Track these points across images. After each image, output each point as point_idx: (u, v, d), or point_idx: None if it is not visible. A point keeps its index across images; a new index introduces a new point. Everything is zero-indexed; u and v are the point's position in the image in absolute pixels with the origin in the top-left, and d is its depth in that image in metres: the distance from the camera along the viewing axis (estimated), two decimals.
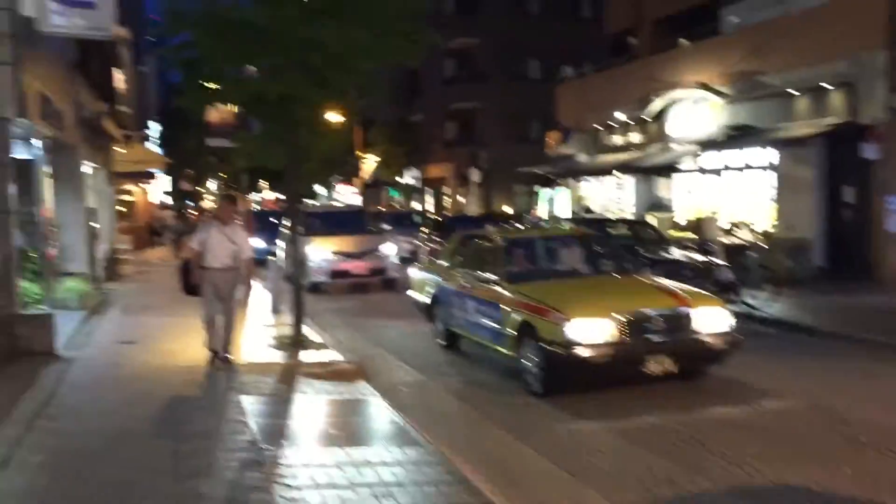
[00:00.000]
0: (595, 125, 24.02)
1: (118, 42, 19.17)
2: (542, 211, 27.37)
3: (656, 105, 20.61)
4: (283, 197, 72.05)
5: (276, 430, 6.03)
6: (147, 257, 28.02)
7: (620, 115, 22.49)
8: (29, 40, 9.72)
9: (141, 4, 31.30)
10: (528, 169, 28.35)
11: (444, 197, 42.48)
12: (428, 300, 10.04)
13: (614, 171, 22.31)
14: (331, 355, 8.94)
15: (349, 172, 44.57)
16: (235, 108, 16.13)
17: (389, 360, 9.05)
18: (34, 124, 10.14)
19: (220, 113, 16.05)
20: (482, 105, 38.65)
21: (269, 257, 13.19)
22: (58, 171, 13.25)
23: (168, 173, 49.15)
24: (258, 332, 10.41)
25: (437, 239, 19.32)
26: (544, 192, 27.56)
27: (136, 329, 10.79)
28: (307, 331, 9.64)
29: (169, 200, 65.10)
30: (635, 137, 22.43)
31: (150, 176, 39.38)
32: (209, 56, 8.89)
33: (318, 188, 54.54)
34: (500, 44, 38.05)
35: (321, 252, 15.07)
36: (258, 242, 21.26)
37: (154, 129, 40.59)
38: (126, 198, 33.67)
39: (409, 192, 43.34)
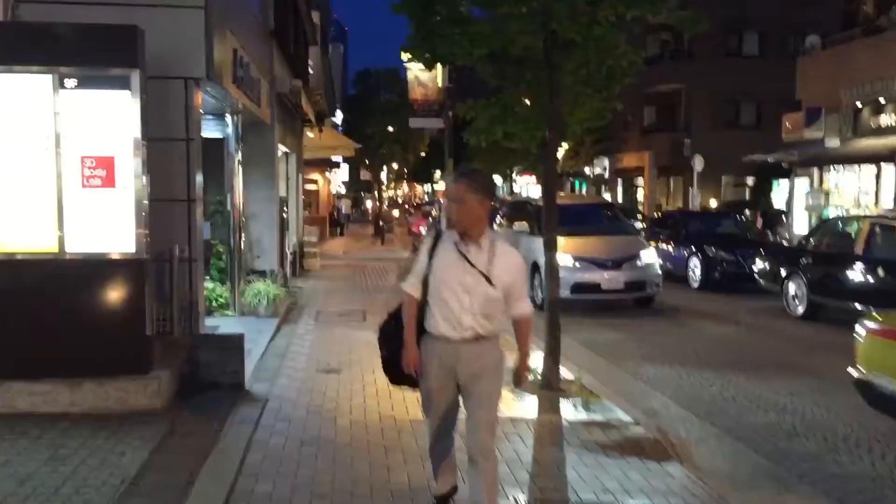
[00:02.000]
0: (856, 102, 19.70)
1: (310, 21, 17.64)
2: (779, 204, 23.30)
3: None
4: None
5: None
6: (330, 249, 26.85)
7: None
8: None
9: None
10: (760, 157, 24.31)
11: (638, 188, 38.77)
12: None
13: None
14: (606, 409, 6.22)
15: (535, 162, 41.92)
16: (443, 83, 13.83)
17: (707, 430, 6.14)
18: (228, 92, 8.20)
19: (426, 90, 13.73)
20: (687, 86, 34.50)
21: None
22: (251, 153, 11.52)
23: (347, 161, 49.03)
24: None
25: (666, 240, 16.15)
26: (781, 184, 23.38)
27: (337, 348, 8.63)
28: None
29: (343, 191, 65.96)
30: None
31: (335, 164, 39.00)
32: None
33: (497, 179, 52.56)
34: (711, 15, 33.68)
35: (559, 258, 11.54)
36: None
37: (338, 116, 40.08)
38: (310, 187, 33.01)
39: (599, 183, 39.97)
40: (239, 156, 10.07)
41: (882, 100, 18.75)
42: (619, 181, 40.20)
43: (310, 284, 15.13)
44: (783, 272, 11.60)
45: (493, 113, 7.85)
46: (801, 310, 11.13)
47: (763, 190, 30.26)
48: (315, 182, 33.66)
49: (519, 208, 14.25)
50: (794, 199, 22.37)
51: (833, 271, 10.68)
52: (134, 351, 5.80)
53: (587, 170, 41.02)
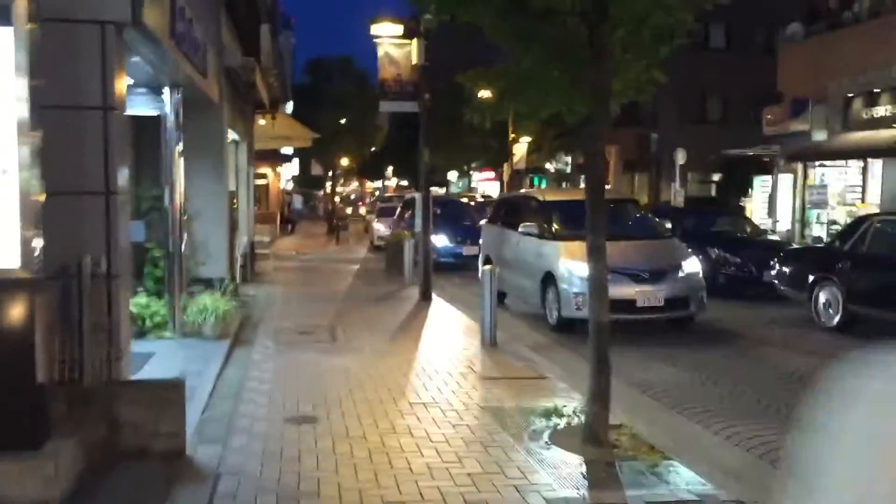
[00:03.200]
0: (847, 93, 18.60)
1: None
2: (758, 203, 22.18)
3: None
4: (405, 183, 68.91)
5: None
6: (282, 248, 24.81)
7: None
8: None
9: None
10: (738, 152, 23.23)
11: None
12: None
13: None
14: (680, 475, 4.57)
15: (494, 158, 40.38)
16: (418, 61, 12.07)
17: None
18: (165, 50, 6.30)
19: (398, 69, 11.91)
20: None
21: (484, 267, 8.94)
22: (195, 138, 9.59)
23: (297, 155, 46.64)
24: (481, 386, 6.23)
25: None
26: (761, 181, 22.26)
27: (307, 381, 6.82)
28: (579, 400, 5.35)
29: (291, 186, 63.34)
30: None
31: (286, 158, 36.76)
32: None
33: (451, 175, 50.87)
34: None
35: (578, 267, 9.03)
36: (442, 241, 17.03)
37: (288, 107, 37.87)
38: (259, 181, 30.82)
39: (561, 179, 38.65)
40: (180, 140, 8.14)
41: (877, 89, 17.67)
42: (582, 177, 38.96)
43: (263, 292, 13.21)
44: (811, 277, 10.19)
45: (507, 84, 6.16)
46: (835, 320, 9.73)
47: (730, 187, 29.27)
48: (265, 176, 31.49)
49: (517, 206, 12.09)
50: (777, 195, 21.25)
51: (879, 277, 9.30)
52: (18, 414, 3.92)
53: (548, 165, 39.67)
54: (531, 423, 5.57)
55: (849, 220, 19.39)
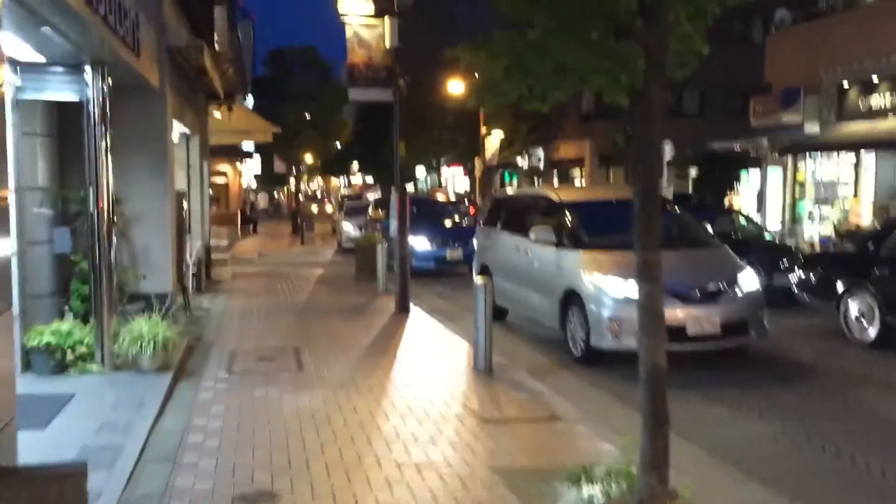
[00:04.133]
0: (842, 82, 17.63)
1: None
2: (745, 199, 21.22)
3: None
4: (370, 179, 67.06)
5: None
6: (244, 251, 23.22)
7: None
8: None
9: None
10: (723, 144, 22.24)
11: (575, 180, 36.51)
12: None
13: None
14: None
15: (465, 152, 39.06)
16: (391, 43, 10.69)
17: None
18: (77, 14, 4.85)
19: (369, 52, 10.50)
20: None
21: (477, 279, 7.57)
22: (131, 129, 8.14)
23: (259, 151, 44.80)
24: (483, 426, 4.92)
25: None
26: (749, 175, 21.28)
27: (265, 432, 5.43)
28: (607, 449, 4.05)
29: (255, 184, 61.21)
30: None
31: (247, 154, 34.99)
32: None
33: (419, 172, 49.43)
34: None
35: (610, 284, 7.52)
36: (421, 243, 15.46)
37: (248, 101, 36.08)
38: (218, 179, 29.14)
39: (532, 175, 37.49)
40: (107, 131, 6.66)
41: (875, 78, 16.70)
42: (555, 172, 37.87)
43: (219, 304, 11.73)
44: (840, 285, 9.06)
45: (517, 56, 4.81)
46: (871, 334, 8.59)
47: (709, 182, 28.36)
48: (224, 174, 29.81)
49: (524, 207, 10.07)
50: (766, 190, 20.29)
51: None
52: None
53: (520, 160, 38.48)
54: (558, 493, 4.25)
55: (840, 218, 18.64)
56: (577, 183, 36.17)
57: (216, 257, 14.94)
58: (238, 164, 32.72)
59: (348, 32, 11.14)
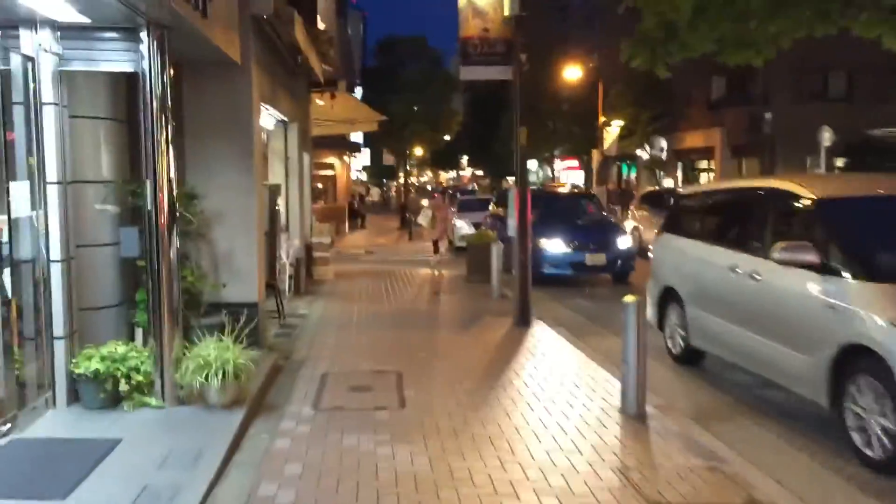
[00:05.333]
0: None
1: None
2: None
3: None
4: (480, 173, 65.57)
5: None
6: (349, 246, 22.29)
7: None
8: None
9: None
10: (886, 131, 19.37)
11: (702, 172, 33.75)
12: None
13: None
14: None
15: (578, 144, 37.04)
16: (511, 11, 9.14)
17: None
18: None
19: (485, 22, 9.00)
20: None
21: (629, 301, 5.84)
22: (209, 111, 7.01)
23: (367, 144, 44.23)
24: None
25: None
26: None
27: None
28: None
29: (364, 177, 61.00)
30: None
31: (355, 147, 34.29)
32: None
33: (531, 164, 47.60)
34: None
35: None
36: (555, 245, 13.35)
37: (357, 93, 35.41)
38: (325, 172, 28.45)
39: (654, 166, 34.93)
40: (166, 110, 5.42)
41: None
42: (679, 164, 35.20)
43: (317, 310, 10.54)
44: None
45: None
46: None
47: (867, 172, 25.17)
48: (331, 167, 29.10)
49: (743, 207, 7.14)
50: None
51: None
52: None
53: (639, 152, 35.99)
54: None
55: None
56: (703, 175, 33.41)
57: (319, 255, 13.85)
58: (346, 156, 32.02)
59: (461, 2, 9.65)
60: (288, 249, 10.83)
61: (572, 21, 43.32)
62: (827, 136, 18.30)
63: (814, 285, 5.44)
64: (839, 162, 28.67)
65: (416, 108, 34.97)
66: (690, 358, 7.45)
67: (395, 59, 35.94)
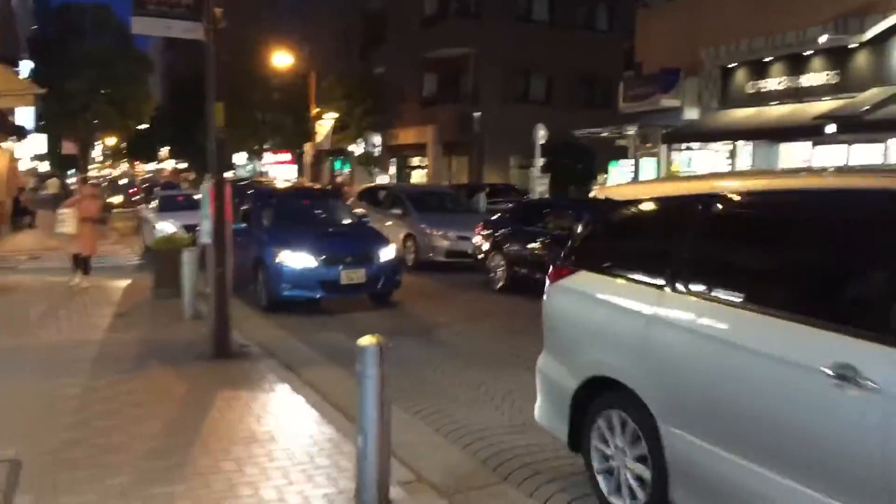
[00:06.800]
0: (727, 64, 15.89)
1: None
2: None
3: (877, 27, 12.69)
4: (183, 165, 60.01)
5: None
6: (8, 251, 18.00)
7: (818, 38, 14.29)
8: None
9: None
10: (590, 132, 20.14)
11: (414, 169, 33.66)
12: None
13: (826, 128, 13.53)
14: None
15: (291, 136, 34.92)
16: None
17: None
18: None
19: None
20: (475, 51, 29.80)
21: (368, 353, 4.09)
22: None
23: (44, 130, 37.88)
24: None
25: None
26: (620, 165, 19.31)
27: None
28: None
29: (40, 167, 52.64)
30: (813, 79, 14.43)
31: (21, 132, 28.64)
32: None
33: (238, 158, 44.34)
34: None
35: None
36: (300, 260, 9.95)
37: (24, 67, 29.72)
38: None
39: (367, 163, 34.11)
40: None
41: (766, 58, 15.04)
42: (393, 160, 34.82)
43: None
44: None
45: None
46: None
47: (561, 173, 26.56)
48: None
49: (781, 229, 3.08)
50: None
51: None
52: None
53: (352, 147, 34.96)
54: None
55: None
56: (414, 172, 33.31)
57: None
58: (9, 141, 26.52)
59: None
60: None
61: (283, 8, 41.12)
62: (542, 135, 18.47)
63: None
64: (539, 161, 30.24)
65: (102, 92, 30.26)
66: None
67: (72, 30, 30.79)
